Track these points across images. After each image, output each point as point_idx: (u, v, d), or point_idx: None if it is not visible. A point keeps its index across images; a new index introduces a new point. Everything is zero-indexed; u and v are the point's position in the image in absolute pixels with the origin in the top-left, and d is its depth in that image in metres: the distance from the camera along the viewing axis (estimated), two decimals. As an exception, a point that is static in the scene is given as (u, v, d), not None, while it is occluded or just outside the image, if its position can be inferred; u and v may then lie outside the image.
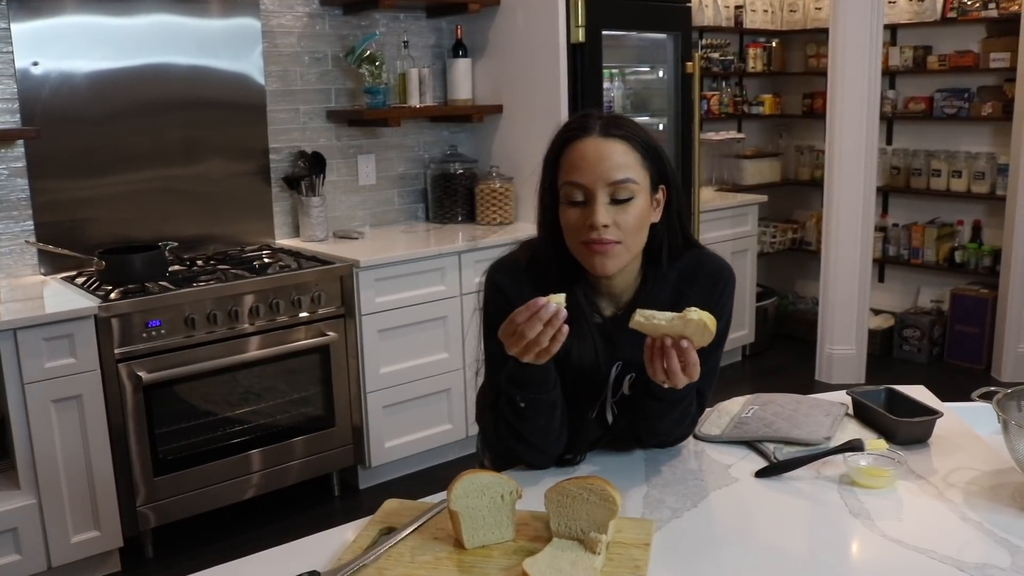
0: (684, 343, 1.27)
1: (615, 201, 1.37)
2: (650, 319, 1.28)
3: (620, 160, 1.38)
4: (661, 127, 4.22)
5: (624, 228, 1.37)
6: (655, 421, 1.47)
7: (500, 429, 1.44)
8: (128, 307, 2.72)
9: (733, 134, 5.30)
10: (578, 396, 1.46)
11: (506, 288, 1.45)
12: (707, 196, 4.63)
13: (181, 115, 3.32)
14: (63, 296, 2.80)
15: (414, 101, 3.74)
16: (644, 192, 1.40)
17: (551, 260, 1.44)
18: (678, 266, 1.50)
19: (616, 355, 1.46)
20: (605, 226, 1.36)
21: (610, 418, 1.50)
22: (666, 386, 1.33)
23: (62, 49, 3.04)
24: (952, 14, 4.67)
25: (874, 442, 1.47)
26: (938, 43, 4.83)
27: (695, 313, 1.26)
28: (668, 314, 1.28)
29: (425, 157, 4.03)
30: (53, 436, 2.61)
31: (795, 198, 5.54)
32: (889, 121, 5.05)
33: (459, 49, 3.88)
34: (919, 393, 1.70)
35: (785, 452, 1.50)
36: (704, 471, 1.47)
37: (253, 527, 3.11)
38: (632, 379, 1.48)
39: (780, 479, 1.43)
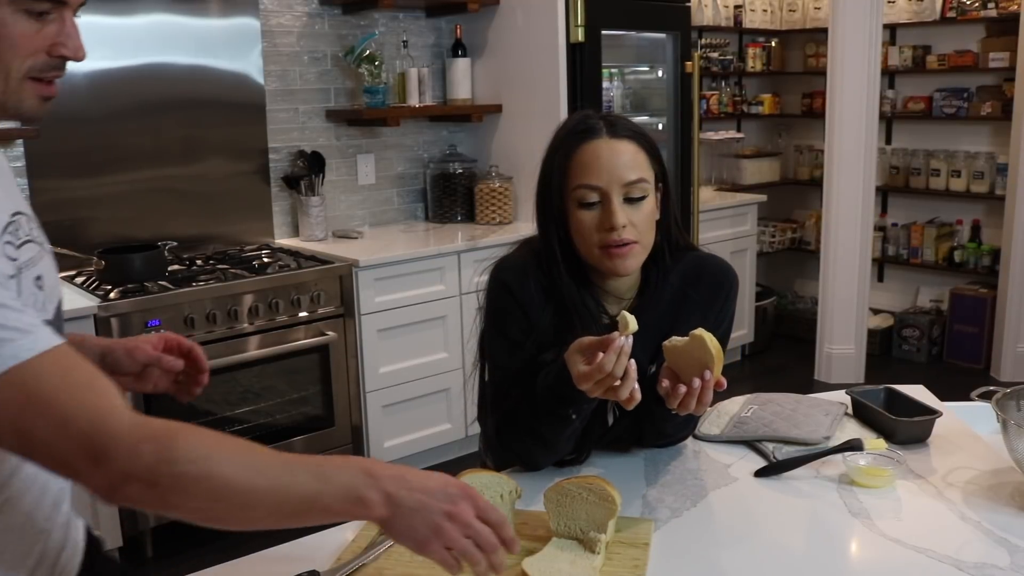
0: (707, 374, 1.27)
1: (629, 200, 1.38)
2: (673, 343, 1.30)
3: (631, 159, 1.38)
4: (660, 127, 4.22)
5: (640, 227, 1.38)
6: (662, 423, 1.47)
7: (512, 430, 1.43)
8: (127, 307, 2.72)
9: (732, 134, 5.30)
10: None
11: (513, 287, 1.45)
12: (706, 196, 4.63)
13: (180, 115, 3.32)
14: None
15: (413, 101, 3.74)
16: (652, 190, 1.41)
17: (557, 262, 1.43)
18: (679, 267, 1.50)
19: None
20: (623, 226, 1.36)
21: (611, 419, 1.50)
22: (680, 414, 1.32)
23: (61, 49, 3.03)
24: (951, 14, 4.68)
25: (873, 442, 1.47)
26: (937, 43, 4.83)
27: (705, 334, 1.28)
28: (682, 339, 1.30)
29: (424, 157, 4.03)
30: (52, 436, 2.60)
31: (794, 198, 5.54)
32: (888, 121, 5.05)
33: (458, 49, 3.88)
34: (918, 393, 1.71)
35: (784, 452, 1.50)
36: (703, 471, 1.47)
37: (253, 527, 3.11)
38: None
39: (779, 479, 1.43)
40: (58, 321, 1.14)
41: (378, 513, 0.96)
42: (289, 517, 0.96)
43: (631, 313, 1.26)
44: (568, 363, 1.29)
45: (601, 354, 1.22)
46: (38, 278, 1.09)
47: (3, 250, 1.02)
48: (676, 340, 1.30)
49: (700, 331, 1.27)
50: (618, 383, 1.23)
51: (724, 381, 1.30)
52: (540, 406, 1.37)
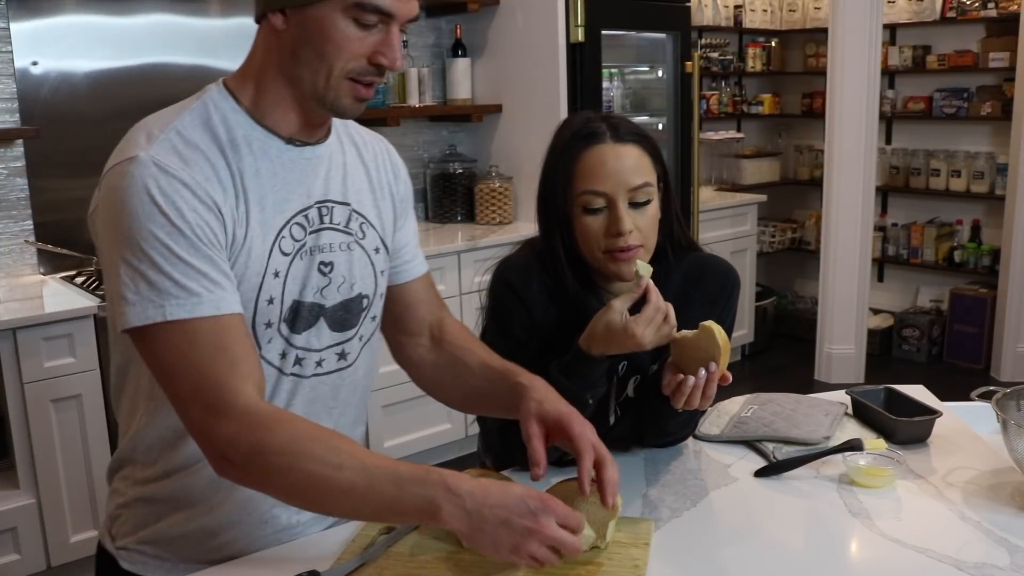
0: (712, 366, 1.28)
1: (633, 204, 1.37)
2: (682, 335, 1.32)
3: (636, 164, 1.38)
4: (660, 127, 4.22)
5: (644, 230, 1.39)
6: (665, 421, 1.47)
7: (512, 431, 1.42)
8: (127, 307, 2.72)
9: (732, 134, 5.31)
10: None
11: (517, 286, 1.45)
12: (706, 196, 4.63)
13: (180, 115, 3.31)
14: (62, 296, 2.80)
15: (413, 101, 3.74)
16: (656, 192, 1.41)
17: (561, 264, 1.44)
18: (682, 267, 1.50)
19: (623, 355, 1.46)
20: (630, 232, 1.36)
21: (612, 419, 1.50)
22: (685, 409, 1.34)
23: (61, 49, 3.04)
24: (951, 14, 4.68)
25: (873, 442, 1.47)
26: (937, 43, 4.83)
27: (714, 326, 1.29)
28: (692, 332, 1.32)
29: (424, 157, 4.03)
30: (52, 436, 2.61)
31: (794, 197, 5.54)
32: (888, 121, 5.05)
33: (458, 49, 3.88)
34: (918, 393, 1.70)
35: (784, 452, 1.50)
36: (703, 471, 1.47)
37: (253, 527, 3.11)
38: (637, 381, 1.48)
39: (779, 479, 1.43)
40: (343, 312, 1.24)
41: (455, 525, 1.02)
42: (367, 516, 1.08)
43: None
44: (600, 338, 1.31)
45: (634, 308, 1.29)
46: (325, 264, 1.20)
47: (289, 230, 1.16)
48: (685, 332, 1.31)
49: (710, 323, 1.29)
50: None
51: (729, 375, 1.30)
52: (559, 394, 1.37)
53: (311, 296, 1.19)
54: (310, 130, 1.20)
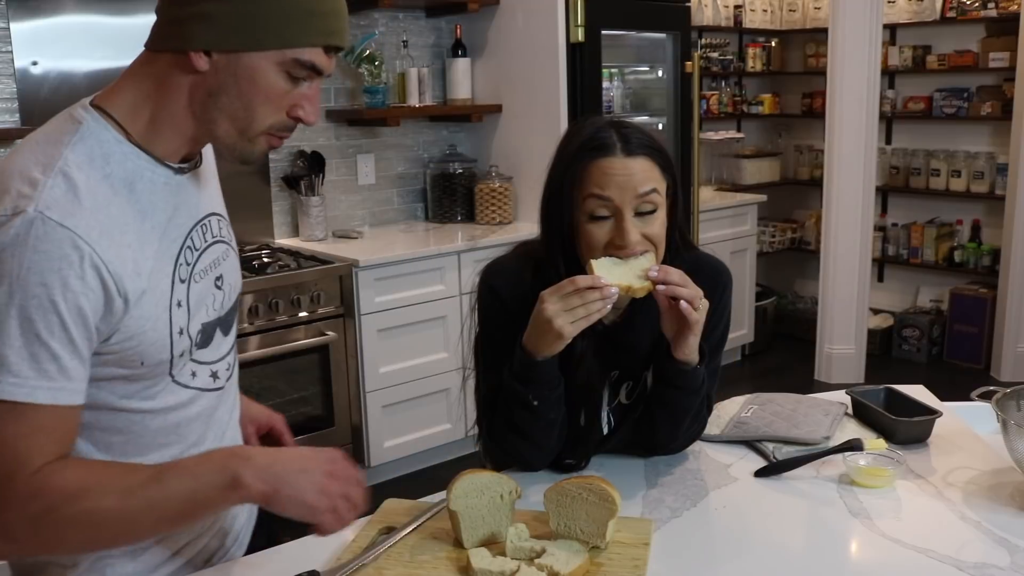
0: (653, 271, 1.32)
1: (639, 214, 1.37)
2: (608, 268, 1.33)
3: (646, 175, 1.37)
4: (660, 127, 4.22)
5: (652, 239, 1.37)
6: (668, 423, 1.45)
7: (498, 428, 1.43)
8: (127, 307, 2.72)
9: (732, 133, 5.31)
10: (574, 402, 1.45)
11: (503, 292, 1.45)
12: (706, 196, 4.63)
13: (180, 115, 3.31)
14: (62, 296, 2.80)
15: (413, 101, 3.74)
16: (664, 201, 1.40)
17: (560, 270, 1.43)
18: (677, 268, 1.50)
19: (615, 362, 1.46)
20: (636, 243, 1.35)
21: (605, 428, 1.49)
22: (679, 357, 1.35)
23: (61, 48, 3.04)
24: (951, 14, 4.68)
25: (873, 442, 1.47)
26: (937, 43, 4.83)
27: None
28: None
29: (424, 157, 4.03)
30: (52, 436, 2.60)
31: (794, 197, 5.54)
32: (888, 121, 5.05)
33: (458, 49, 3.88)
34: (918, 393, 1.70)
35: (784, 452, 1.50)
36: (703, 471, 1.47)
37: (252, 527, 3.11)
38: (629, 387, 1.48)
39: (779, 479, 1.43)
40: (231, 316, 1.24)
41: (258, 489, 1.00)
42: (175, 521, 1.04)
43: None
44: (530, 328, 1.32)
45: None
46: (219, 278, 1.18)
47: (183, 255, 1.11)
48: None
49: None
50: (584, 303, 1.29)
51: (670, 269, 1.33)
52: (508, 396, 1.38)
53: (213, 314, 1.17)
54: (193, 153, 1.15)
